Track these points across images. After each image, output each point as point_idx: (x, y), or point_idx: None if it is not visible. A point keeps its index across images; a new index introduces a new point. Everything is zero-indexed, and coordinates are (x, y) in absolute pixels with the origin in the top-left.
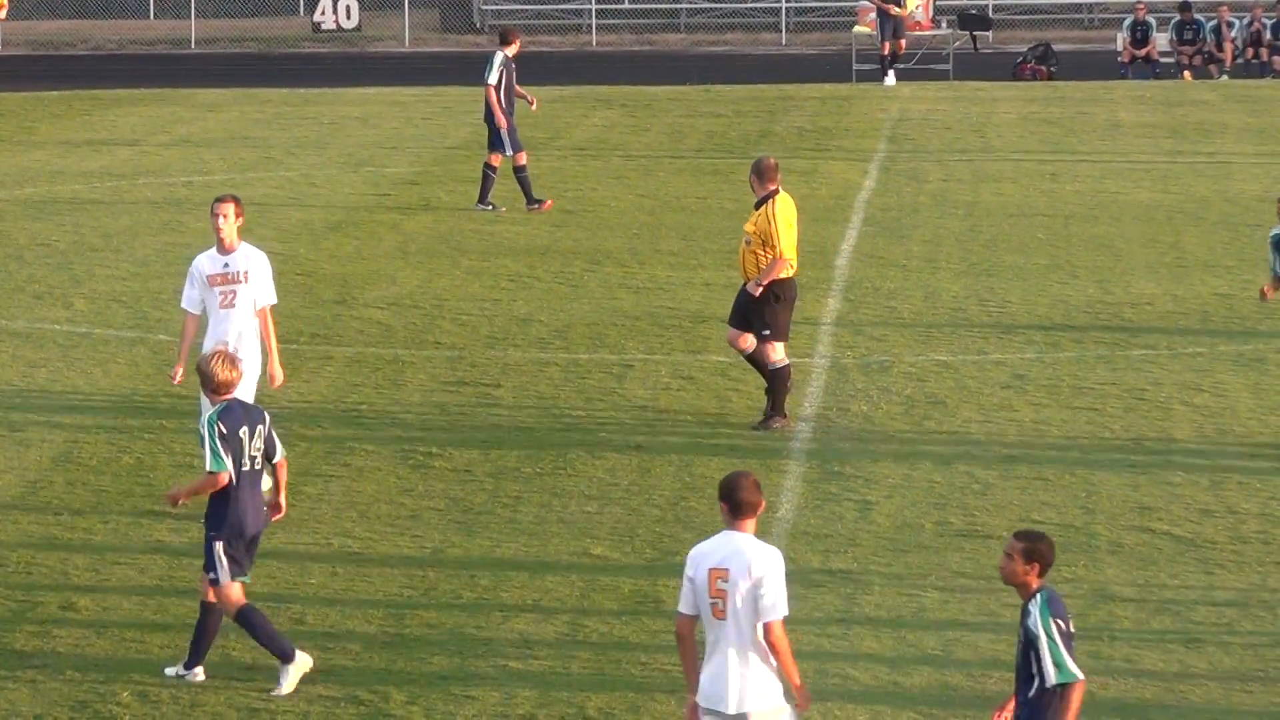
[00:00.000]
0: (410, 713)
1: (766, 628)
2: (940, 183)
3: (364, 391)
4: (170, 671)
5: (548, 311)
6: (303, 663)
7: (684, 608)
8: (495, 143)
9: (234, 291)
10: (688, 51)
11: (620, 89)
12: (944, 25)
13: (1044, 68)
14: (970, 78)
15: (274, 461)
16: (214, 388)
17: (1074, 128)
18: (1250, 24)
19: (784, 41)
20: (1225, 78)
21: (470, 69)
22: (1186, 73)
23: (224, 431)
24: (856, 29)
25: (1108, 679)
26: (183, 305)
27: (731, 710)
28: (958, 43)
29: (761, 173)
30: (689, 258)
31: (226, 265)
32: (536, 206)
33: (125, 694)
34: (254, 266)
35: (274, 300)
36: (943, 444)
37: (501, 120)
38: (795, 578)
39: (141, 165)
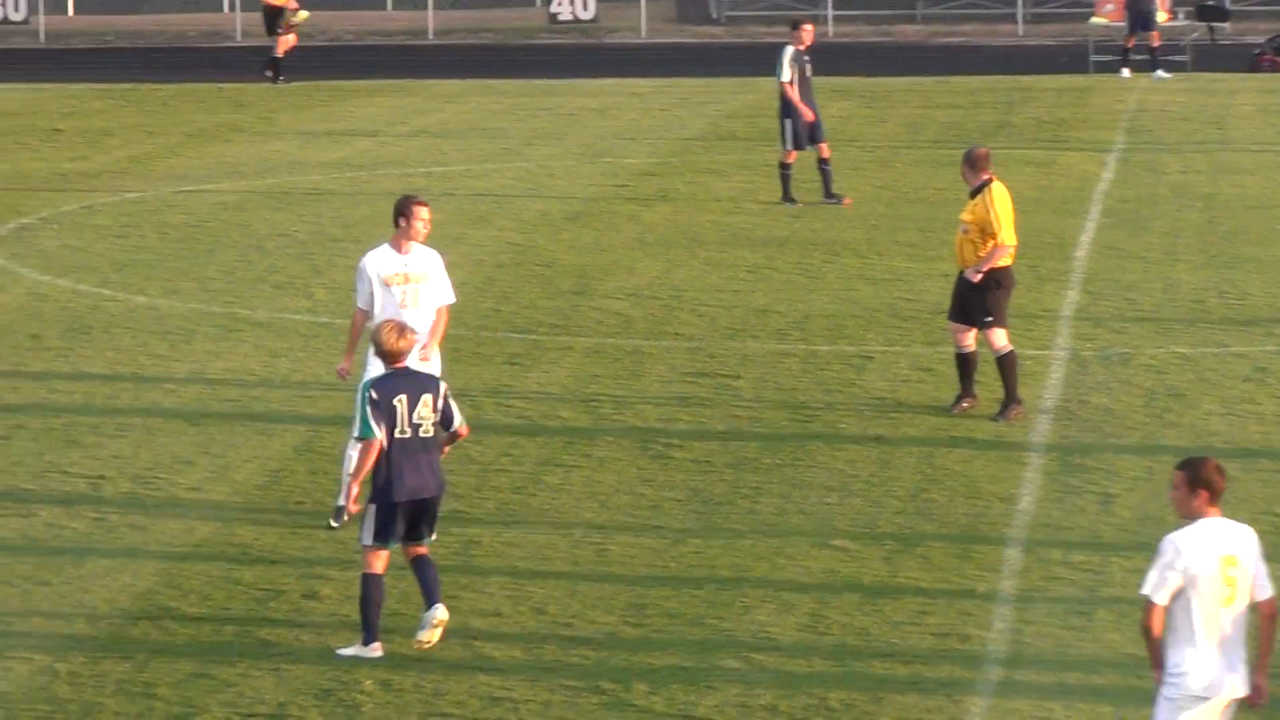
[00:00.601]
0: (652, 703)
1: (1264, 605)
2: (1179, 175)
3: (603, 382)
4: (346, 652)
5: (786, 303)
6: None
7: (1161, 599)
8: (782, 138)
9: (417, 291)
10: (925, 43)
11: (858, 80)
12: (1181, 17)
13: None
14: (1208, 69)
15: (452, 429)
16: (382, 356)
17: None
18: None
19: (1021, 32)
20: None
21: (706, 61)
22: None
23: (375, 399)
24: (1094, 19)
25: None
26: (359, 304)
27: (1240, 693)
28: (1195, 34)
29: (974, 162)
30: (927, 249)
31: (407, 265)
32: (834, 200)
33: (368, 682)
34: (433, 267)
35: (453, 300)
36: (1184, 437)
37: (808, 113)
38: (1036, 570)
39: (380, 156)
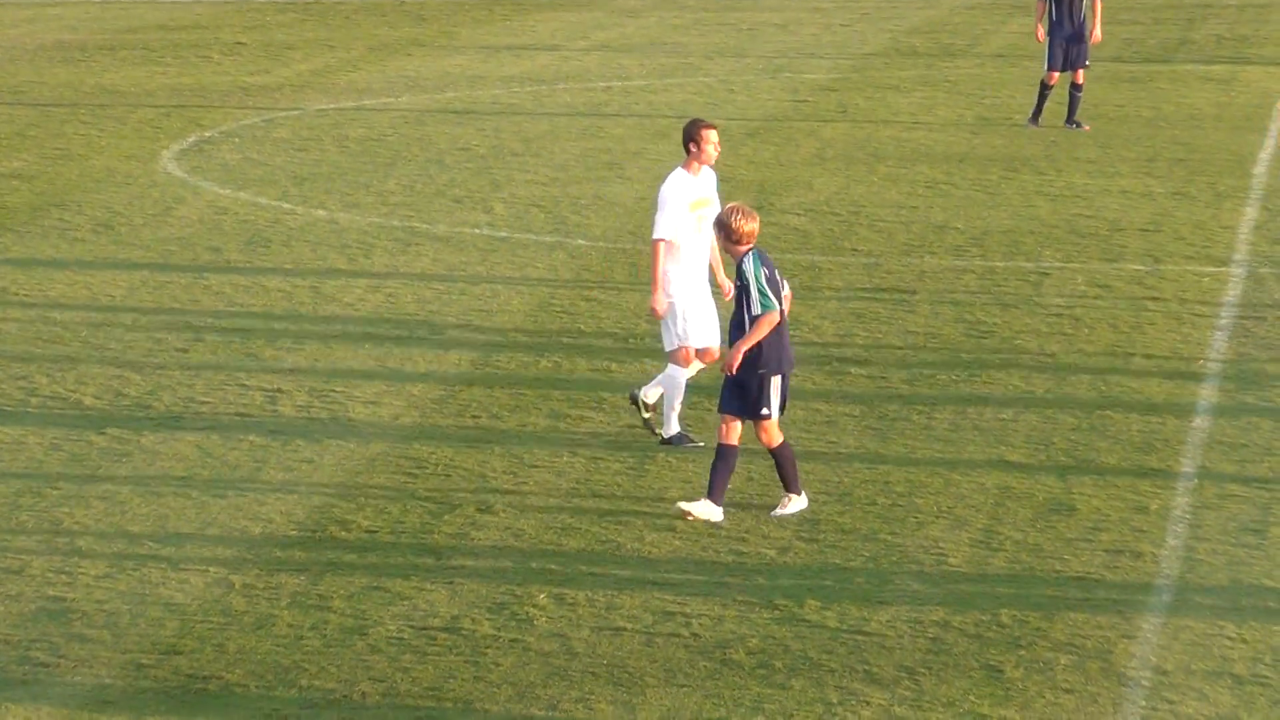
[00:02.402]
0: (824, 618)
1: None
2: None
3: None
4: (686, 505)
5: (964, 219)
6: (798, 506)
7: None
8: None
9: (707, 216)
10: None
11: None
12: None
13: None
14: None
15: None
16: (738, 239)
17: None
18: None
19: None
20: None
21: None
22: None
23: (767, 274)
24: None
25: None
26: (664, 235)
27: None
28: None
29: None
30: (1106, 165)
31: (701, 190)
32: (1073, 126)
33: (542, 596)
34: (714, 190)
35: None
36: None
37: (1040, 35)
38: (1210, 488)
39: (561, 70)
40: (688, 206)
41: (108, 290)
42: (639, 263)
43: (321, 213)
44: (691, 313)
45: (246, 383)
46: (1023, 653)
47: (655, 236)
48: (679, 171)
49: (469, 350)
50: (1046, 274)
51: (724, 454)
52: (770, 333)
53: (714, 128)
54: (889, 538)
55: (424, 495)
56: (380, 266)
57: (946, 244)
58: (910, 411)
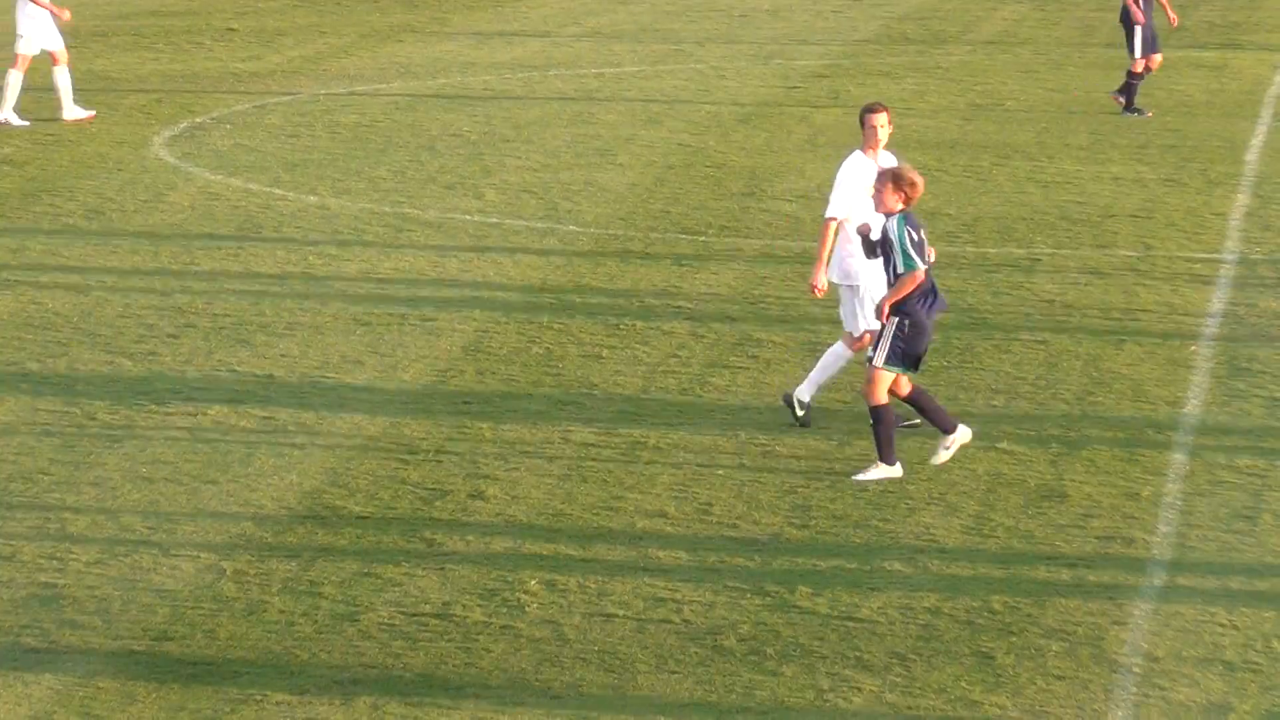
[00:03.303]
0: (815, 605)
1: None
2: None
3: (771, 284)
4: (862, 477)
5: (956, 205)
6: (961, 436)
7: None
8: (1130, 46)
9: (878, 195)
10: None
11: None
12: None
13: None
14: None
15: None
16: (907, 198)
17: None
18: None
19: None
20: None
21: None
22: None
23: (913, 236)
24: None
25: None
26: (833, 214)
27: None
28: None
29: None
30: (1098, 152)
31: (874, 170)
32: (1134, 114)
33: (533, 582)
34: None
35: None
36: None
37: (1139, 17)
38: (1201, 474)
39: (553, 57)
40: (864, 189)
41: (99, 276)
42: (630, 249)
43: (313, 199)
44: (873, 297)
45: (238, 369)
46: (1014, 639)
47: (826, 215)
48: (856, 153)
49: (460, 336)
50: (1038, 260)
51: (877, 415)
52: (913, 291)
53: (880, 110)
54: (880, 524)
55: (415, 481)
56: (372, 253)
57: (938, 230)
58: None
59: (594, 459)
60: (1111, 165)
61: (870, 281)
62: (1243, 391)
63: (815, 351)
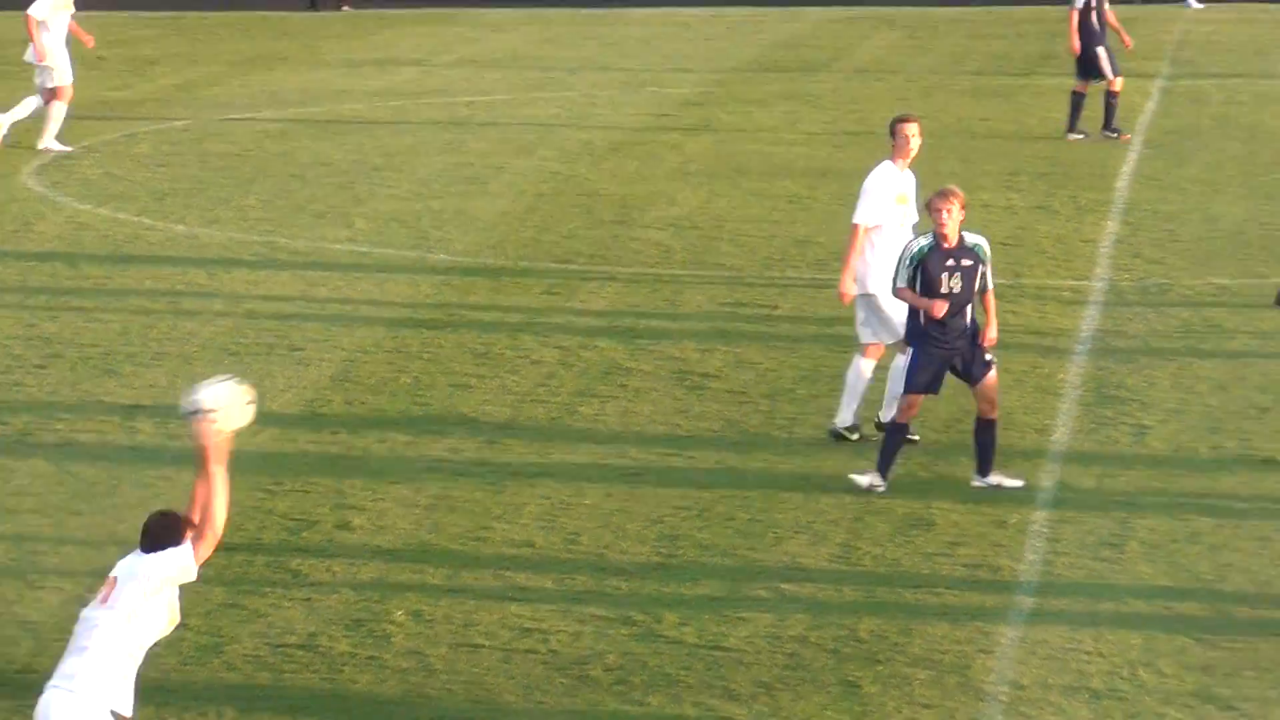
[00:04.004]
0: (683, 634)
1: None
2: (1222, 105)
3: (642, 313)
4: (862, 480)
5: (826, 233)
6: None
7: None
8: (1099, 70)
9: (909, 213)
10: None
11: (902, 10)
12: None
13: None
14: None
15: (982, 294)
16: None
17: None
18: None
19: None
20: None
21: None
22: None
23: (924, 264)
24: None
25: None
26: (861, 220)
27: None
28: None
29: None
30: (968, 180)
31: (905, 184)
32: (1114, 135)
33: (399, 613)
34: (914, 189)
35: None
36: (1220, 368)
37: (1075, 46)
38: (1069, 502)
39: (425, 85)
40: (892, 198)
41: None
42: (500, 278)
43: (181, 228)
44: (890, 309)
45: (104, 400)
46: (880, 668)
47: (854, 220)
48: (885, 163)
49: (329, 366)
50: None
51: (889, 430)
52: (921, 313)
53: (912, 120)
54: (748, 553)
55: (282, 512)
56: (240, 282)
57: (809, 259)
58: (770, 427)
59: (462, 489)
60: (982, 193)
61: (881, 290)
62: (1110, 419)
63: (684, 380)
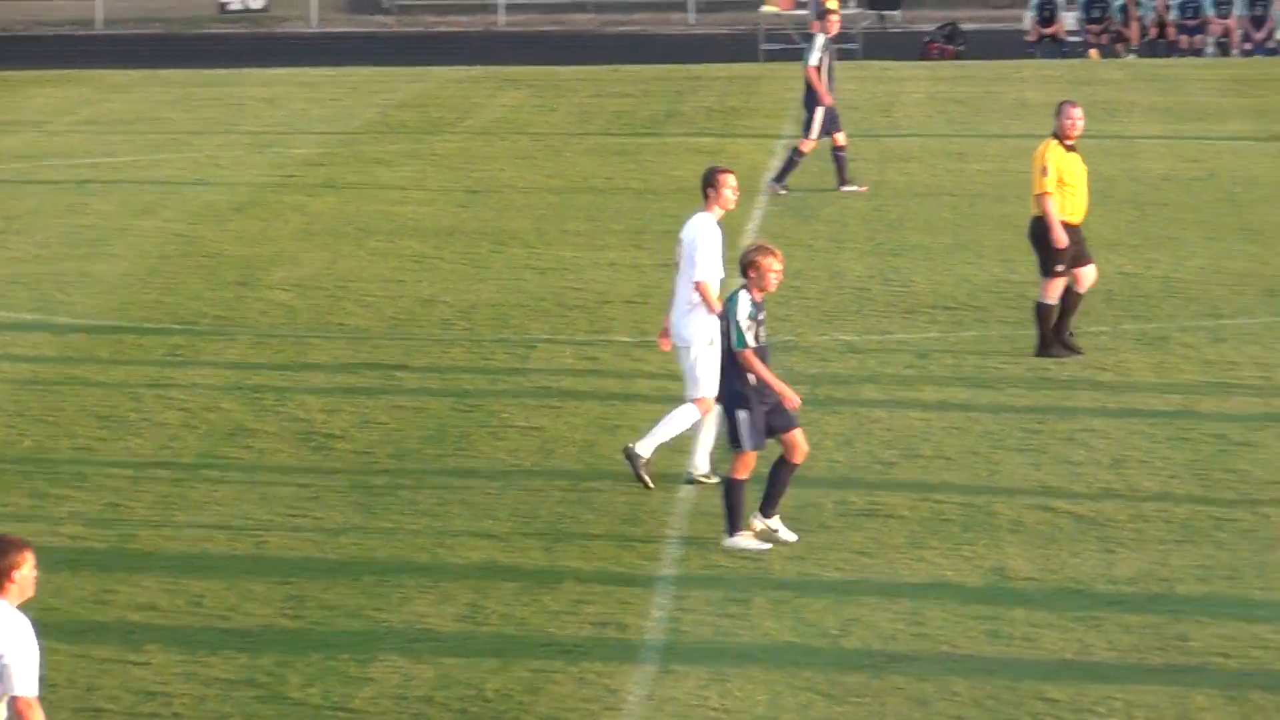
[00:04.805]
0: (308, 695)
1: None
2: (846, 162)
3: (267, 374)
4: (732, 542)
5: (452, 293)
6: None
7: None
8: (808, 127)
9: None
10: (596, 31)
11: (527, 69)
12: (852, 4)
13: (951, 47)
14: (878, 57)
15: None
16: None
17: (981, 107)
18: (1156, 3)
19: (692, 21)
20: (1133, 57)
21: (377, 50)
22: (1093, 51)
23: (751, 314)
24: (764, 8)
25: (1008, 656)
26: (712, 276)
27: None
28: (865, 22)
29: None
30: (595, 238)
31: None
32: (851, 189)
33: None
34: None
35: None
36: (845, 424)
37: (828, 99)
38: (695, 559)
39: (47, 147)
40: (721, 246)
41: None
42: (122, 340)
43: None
44: (700, 362)
45: None
46: None
47: (698, 278)
48: (704, 214)
49: None
50: (534, 347)
51: (729, 487)
52: (748, 372)
53: (731, 172)
54: (374, 613)
55: None
56: None
57: (434, 318)
58: (397, 486)
59: (85, 552)
60: (609, 251)
61: (700, 346)
62: None
63: (309, 441)
